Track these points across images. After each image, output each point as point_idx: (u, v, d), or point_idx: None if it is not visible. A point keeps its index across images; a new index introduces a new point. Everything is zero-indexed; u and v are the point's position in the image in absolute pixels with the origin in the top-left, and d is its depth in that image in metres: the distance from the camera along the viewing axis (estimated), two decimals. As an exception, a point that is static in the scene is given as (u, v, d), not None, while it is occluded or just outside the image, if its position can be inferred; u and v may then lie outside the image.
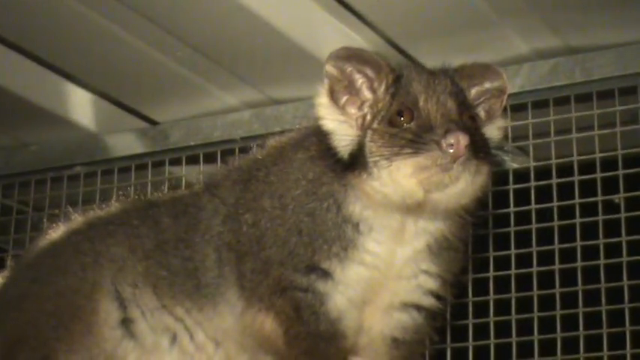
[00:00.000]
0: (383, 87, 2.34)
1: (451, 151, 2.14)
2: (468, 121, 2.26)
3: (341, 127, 2.33)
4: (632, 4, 3.21)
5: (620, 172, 3.27)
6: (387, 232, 2.32)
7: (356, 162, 2.27)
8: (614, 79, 3.31)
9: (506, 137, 2.56)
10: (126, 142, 3.96)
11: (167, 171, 3.93)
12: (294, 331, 2.32)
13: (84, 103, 3.87)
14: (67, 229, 2.60)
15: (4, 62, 3.65)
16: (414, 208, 2.27)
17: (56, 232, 2.60)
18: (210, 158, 3.77)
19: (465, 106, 2.30)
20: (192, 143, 3.84)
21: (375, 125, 2.29)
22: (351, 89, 2.35)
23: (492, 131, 2.37)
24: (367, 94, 2.34)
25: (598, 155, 3.31)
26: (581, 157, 3.33)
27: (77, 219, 2.64)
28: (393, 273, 2.35)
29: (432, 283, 2.37)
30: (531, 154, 3.48)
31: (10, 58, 3.62)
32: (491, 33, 3.37)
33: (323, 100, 2.35)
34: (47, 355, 2.39)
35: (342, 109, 2.34)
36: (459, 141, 2.13)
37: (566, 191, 3.33)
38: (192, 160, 3.84)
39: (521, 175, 3.44)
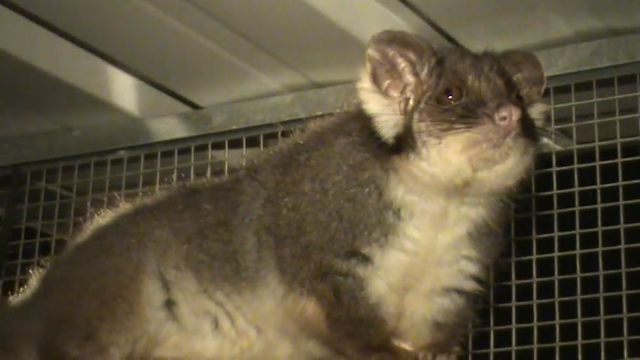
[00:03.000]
0: (426, 69, 2.32)
1: (504, 123, 2.14)
2: (516, 99, 2.24)
3: (385, 111, 2.32)
4: None
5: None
6: (428, 218, 2.31)
7: (401, 144, 2.26)
8: None
9: (548, 120, 2.54)
10: (169, 127, 3.97)
11: (209, 155, 3.94)
12: (335, 316, 2.33)
13: (127, 87, 3.90)
14: (113, 213, 2.62)
15: (49, 47, 3.65)
16: (460, 189, 2.25)
17: (103, 216, 2.62)
18: (252, 142, 3.79)
19: (513, 86, 2.28)
20: (234, 127, 3.85)
21: (422, 105, 2.28)
22: (393, 73, 2.34)
23: (533, 115, 2.35)
24: (410, 77, 2.33)
25: None
26: (624, 140, 3.33)
27: (124, 204, 2.65)
28: (434, 259, 2.35)
29: (472, 268, 2.38)
30: (574, 136, 3.46)
31: (54, 43, 3.63)
32: (533, 15, 3.37)
33: (365, 84, 2.35)
34: (90, 334, 2.41)
35: (384, 92, 2.33)
36: (511, 114, 2.13)
37: (609, 174, 3.33)
38: (235, 144, 3.85)
39: (565, 158, 3.43)
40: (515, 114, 2.12)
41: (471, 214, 2.33)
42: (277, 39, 3.56)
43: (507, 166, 2.20)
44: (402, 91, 2.32)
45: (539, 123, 2.34)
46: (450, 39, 3.48)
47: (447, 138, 2.20)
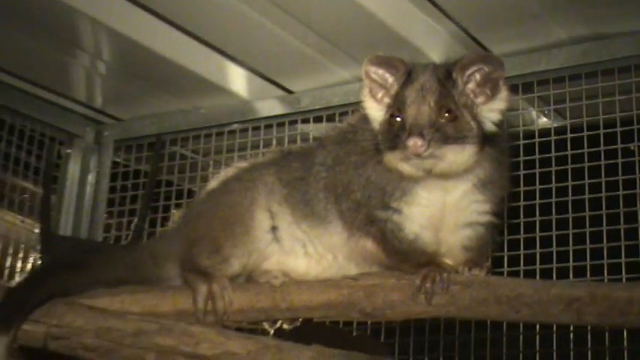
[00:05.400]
0: (396, 87, 2.32)
1: (409, 151, 2.17)
2: (442, 118, 2.21)
3: (376, 115, 2.35)
4: None
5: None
6: (432, 184, 2.32)
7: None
8: (631, 58, 3.36)
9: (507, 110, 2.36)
10: (269, 106, 4.04)
11: (299, 128, 4.02)
12: (388, 249, 2.38)
13: (239, 76, 3.94)
14: (234, 168, 2.64)
15: (183, 46, 3.72)
16: (428, 175, 2.27)
17: (227, 170, 2.65)
18: (330, 119, 3.83)
19: (444, 105, 2.23)
20: (317, 107, 3.92)
21: (384, 119, 2.32)
22: (385, 86, 2.34)
23: (492, 111, 2.30)
24: (393, 89, 2.33)
25: (618, 115, 3.35)
26: (605, 117, 3.37)
27: (238, 163, 2.69)
28: (451, 206, 2.35)
29: (484, 207, 2.38)
30: (568, 114, 3.48)
31: (188, 44, 3.71)
32: (539, 24, 3.44)
33: (365, 95, 2.37)
34: (217, 248, 2.46)
35: (379, 100, 2.35)
36: (415, 143, 2.15)
37: (593, 141, 3.37)
38: (317, 120, 3.92)
39: (560, 131, 3.49)
40: (416, 143, 2.14)
41: (467, 175, 2.33)
42: (348, 40, 3.59)
43: (447, 163, 2.24)
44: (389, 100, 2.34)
45: (493, 115, 2.30)
46: (478, 42, 3.56)
47: (387, 153, 2.26)
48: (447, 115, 2.23)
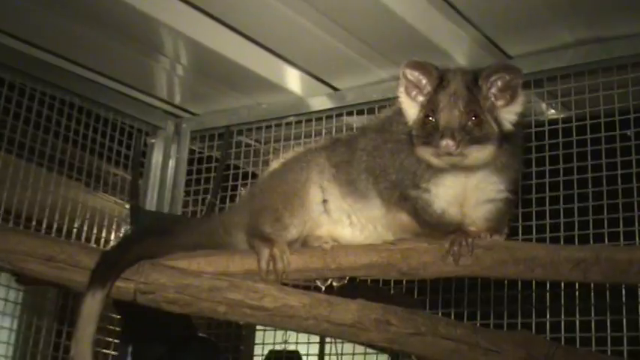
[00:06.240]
0: (429, 90, 2.30)
1: (441, 150, 2.17)
2: (470, 122, 2.21)
3: (410, 110, 2.32)
4: (638, 16, 3.27)
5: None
6: (456, 170, 2.29)
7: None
8: (627, 57, 3.33)
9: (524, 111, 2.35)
10: (319, 102, 4.01)
11: (344, 120, 3.97)
12: (420, 221, 2.37)
13: (294, 77, 3.91)
14: (292, 152, 2.64)
15: (249, 52, 3.68)
16: (453, 167, 2.26)
17: (285, 154, 2.65)
18: (370, 112, 3.77)
19: (472, 110, 2.22)
20: (359, 102, 3.87)
21: (420, 116, 2.29)
22: (419, 86, 2.31)
23: (510, 113, 2.28)
24: (425, 91, 2.31)
25: (616, 106, 3.30)
26: (606, 107, 3.33)
27: (294, 149, 2.68)
28: (472, 187, 2.32)
29: (501, 186, 2.33)
30: (573, 106, 3.45)
31: (252, 49, 3.67)
32: (547, 29, 3.40)
33: (400, 92, 2.33)
34: (278, 217, 2.45)
35: (413, 99, 2.32)
36: (447, 144, 2.15)
37: (595, 129, 3.34)
38: (360, 113, 3.87)
39: (565, 120, 3.45)
40: (448, 143, 2.15)
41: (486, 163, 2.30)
42: (385, 45, 3.55)
43: (471, 159, 2.22)
44: (422, 100, 2.31)
45: (511, 117, 2.27)
46: (495, 44, 3.50)
47: (420, 147, 2.25)
48: (473, 119, 2.22)
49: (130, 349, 3.64)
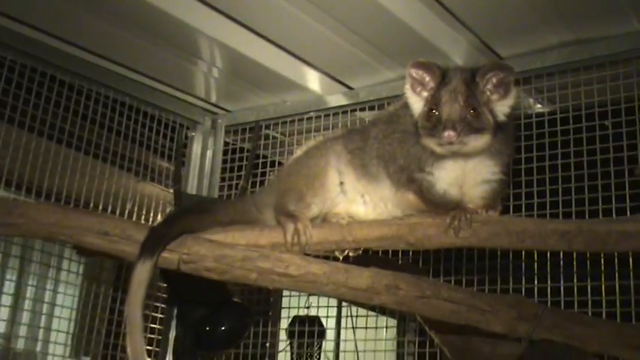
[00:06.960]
0: (434, 87, 2.26)
1: (444, 140, 2.15)
2: (469, 114, 2.18)
3: (415, 105, 2.30)
4: (615, 20, 3.19)
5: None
6: (455, 156, 2.26)
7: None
8: (605, 57, 3.27)
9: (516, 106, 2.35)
10: (336, 99, 3.95)
11: (358, 114, 3.91)
12: (425, 199, 2.34)
13: (314, 77, 3.86)
14: (313, 141, 2.60)
15: (275, 56, 3.61)
16: (455, 154, 2.23)
17: (307, 144, 2.61)
18: (380, 107, 3.65)
19: (470, 103, 2.19)
20: (371, 99, 3.82)
21: (425, 110, 2.26)
22: (423, 83, 2.28)
23: (504, 106, 2.25)
24: (429, 87, 2.28)
25: (596, 99, 3.23)
26: (586, 101, 3.27)
27: (315, 139, 2.64)
28: (470, 170, 2.29)
29: (495, 168, 2.30)
30: (557, 100, 3.38)
31: (277, 54, 3.60)
32: (535, 33, 3.33)
33: (407, 88, 2.31)
34: (301, 197, 2.44)
35: (418, 94, 2.28)
36: (449, 135, 2.14)
37: (576, 120, 3.26)
38: (371, 109, 3.83)
39: (550, 113, 3.36)
40: (449, 135, 2.14)
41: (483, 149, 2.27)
42: (393, 48, 3.49)
43: (470, 147, 2.20)
44: (427, 95, 2.28)
45: (505, 109, 2.24)
46: (488, 47, 3.42)
47: (425, 137, 2.23)
48: (472, 111, 2.19)
49: (174, 312, 3.70)
